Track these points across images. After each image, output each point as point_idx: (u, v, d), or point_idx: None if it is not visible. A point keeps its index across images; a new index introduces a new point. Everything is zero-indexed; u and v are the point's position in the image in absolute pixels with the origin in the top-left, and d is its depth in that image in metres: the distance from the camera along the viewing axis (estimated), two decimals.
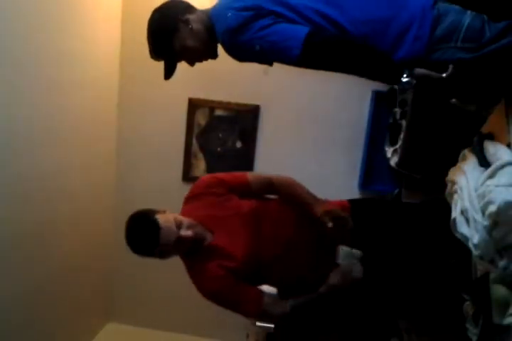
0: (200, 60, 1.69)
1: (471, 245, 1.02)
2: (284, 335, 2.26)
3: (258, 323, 2.63)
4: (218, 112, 3.03)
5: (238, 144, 3.05)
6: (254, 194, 1.75)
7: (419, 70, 1.29)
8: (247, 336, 2.91)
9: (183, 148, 3.13)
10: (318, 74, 2.96)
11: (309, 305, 1.62)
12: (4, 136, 2.12)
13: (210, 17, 1.54)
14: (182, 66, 3.12)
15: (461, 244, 1.08)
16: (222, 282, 1.60)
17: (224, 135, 3.05)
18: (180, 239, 1.57)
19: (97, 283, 3.22)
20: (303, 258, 1.66)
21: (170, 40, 1.59)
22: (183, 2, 1.64)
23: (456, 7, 1.33)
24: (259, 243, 1.63)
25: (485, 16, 1.30)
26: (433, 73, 1.28)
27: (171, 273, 3.37)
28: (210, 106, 3.02)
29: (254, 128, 3.00)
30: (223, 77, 3.05)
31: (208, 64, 3.04)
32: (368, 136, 2.77)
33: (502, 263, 0.98)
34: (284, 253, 1.63)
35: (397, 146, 2.22)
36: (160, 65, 3.35)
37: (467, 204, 1.04)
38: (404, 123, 2.04)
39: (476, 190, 1.03)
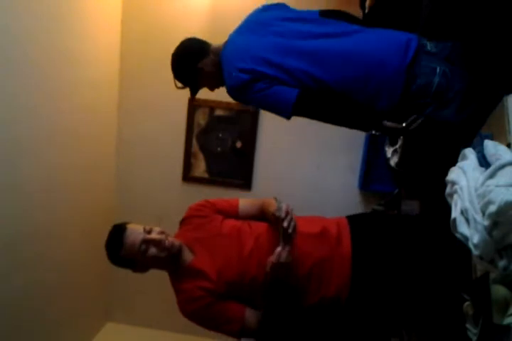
0: (218, 87, 1.89)
1: (471, 245, 1.02)
2: (284, 336, 2.26)
3: None
4: (218, 112, 3.03)
5: (238, 144, 3.05)
6: (243, 217, 1.74)
7: (385, 123, 1.57)
8: None
9: (183, 148, 3.13)
10: None
11: (271, 304, 1.58)
12: (4, 136, 2.12)
13: (221, 59, 1.75)
14: None
15: (461, 246, 1.08)
16: (198, 303, 1.59)
17: (224, 135, 3.05)
18: (147, 242, 1.57)
19: (97, 283, 3.22)
20: (302, 280, 1.59)
21: (191, 82, 1.85)
22: (196, 46, 1.83)
23: (427, 68, 1.54)
24: (239, 265, 1.59)
25: (449, 74, 1.53)
26: (398, 125, 1.55)
27: None
28: (210, 106, 3.02)
29: (254, 128, 3.00)
30: None
31: None
32: (367, 136, 2.77)
33: (502, 263, 0.98)
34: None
35: (397, 146, 2.23)
36: (160, 65, 3.35)
37: (467, 204, 1.04)
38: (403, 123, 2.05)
39: (476, 190, 1.03)
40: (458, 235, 1.09)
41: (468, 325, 1.18)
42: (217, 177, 3.15)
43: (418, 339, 1.76)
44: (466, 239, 1.05)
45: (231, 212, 1.73)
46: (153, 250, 1.58)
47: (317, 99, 1.59)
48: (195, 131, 3.08)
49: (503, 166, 1.01)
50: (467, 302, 1.21)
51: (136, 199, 3.23)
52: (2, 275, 2.21)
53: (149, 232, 1.59)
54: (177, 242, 1.62)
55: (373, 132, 1.64)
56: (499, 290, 1.03)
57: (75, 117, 2.68)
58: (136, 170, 3.25)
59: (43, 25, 2.30)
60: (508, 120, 1.18)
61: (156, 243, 1.57)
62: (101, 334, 3.33)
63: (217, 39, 3.00)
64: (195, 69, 1.78)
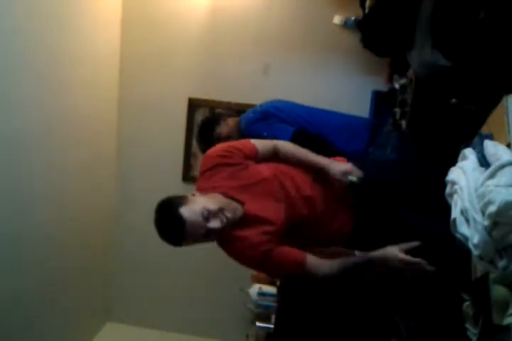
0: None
1: (471, 245, 1.02)
2: (284, 336, 2.26)
3: (258, 323, 2.63)
4: (218, 112, 3.03)
5: None
6: (260, 160, 1.74)
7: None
8: (247, 336, 2.91)
9: (183, 148, 3.13)
10: (317, 75, 2.97)
11: (359, 270, 1.59)
12: (5, 135, 2.12)
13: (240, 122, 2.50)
14: (182, 66, 3.12)
15: (461, 246, 1.08)
16: (264, 247, 1.57)
17: None
18: (210, 231, 1.51)
19: (97, 283, 3.22)
20: (324, 212, 1.67)
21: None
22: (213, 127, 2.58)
23: (385, 136, 2.24)
24: (288, 205, 1.63)
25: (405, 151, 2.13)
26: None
27: (171, 273, 3.38)
28: (210, 106, 3.02)
29: None
30: (223, 77, 3.04)
31: (207, 64, 3.05)
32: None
33: (502, 263, 0.98)
34: (309, 212, 1.65)
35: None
36: (160, 65, 3.34)
37: (467, 204, 1.04)
38: (404, 123, 2.06)
39: (476, 190, 1.03)
40: (458, 235, 1.09)
41: (468, 325, 1.18)
42: None
43: (418, 339, 1.76)
44: (466, 239, 1.04)
45: (252, 156, 1.73)
46: (213, 234, 1.56)
47: (304, 138, 2.19)
48: (195, 131, 3.08)
49: (503, 166, 1.01)
50: (467, 302, 1.21)
51: (136, 199, 3.24)
52: (2, 275, 2.21)
53: (207, 217, 1.50)
54: (230, 214, 1.54)
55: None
56: (499, 290, 1.03)
57: (75, 117, 2.68)
58: (136, 169, 3.25)
59: (43, 25, 2.31)
60: (508, 120, 1.18)
61: (218, 230, 1.54)
62: (101, 334, 3.33)
63: (216, 38, 3.01)
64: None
